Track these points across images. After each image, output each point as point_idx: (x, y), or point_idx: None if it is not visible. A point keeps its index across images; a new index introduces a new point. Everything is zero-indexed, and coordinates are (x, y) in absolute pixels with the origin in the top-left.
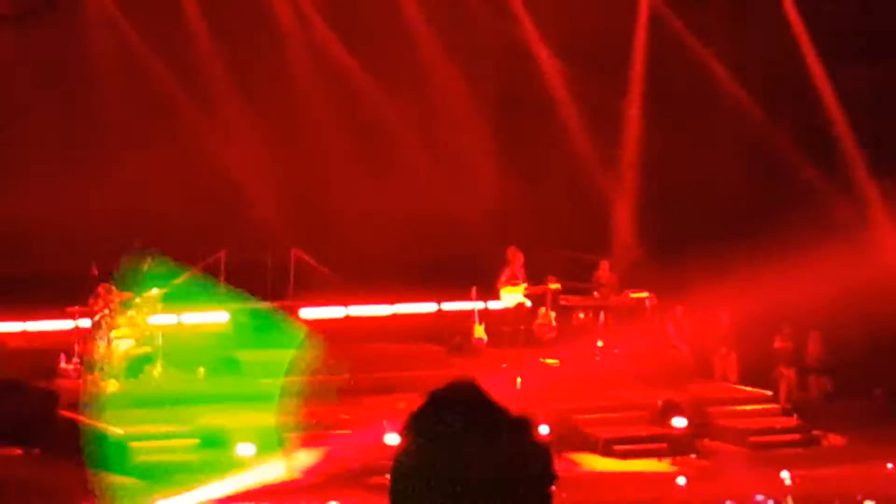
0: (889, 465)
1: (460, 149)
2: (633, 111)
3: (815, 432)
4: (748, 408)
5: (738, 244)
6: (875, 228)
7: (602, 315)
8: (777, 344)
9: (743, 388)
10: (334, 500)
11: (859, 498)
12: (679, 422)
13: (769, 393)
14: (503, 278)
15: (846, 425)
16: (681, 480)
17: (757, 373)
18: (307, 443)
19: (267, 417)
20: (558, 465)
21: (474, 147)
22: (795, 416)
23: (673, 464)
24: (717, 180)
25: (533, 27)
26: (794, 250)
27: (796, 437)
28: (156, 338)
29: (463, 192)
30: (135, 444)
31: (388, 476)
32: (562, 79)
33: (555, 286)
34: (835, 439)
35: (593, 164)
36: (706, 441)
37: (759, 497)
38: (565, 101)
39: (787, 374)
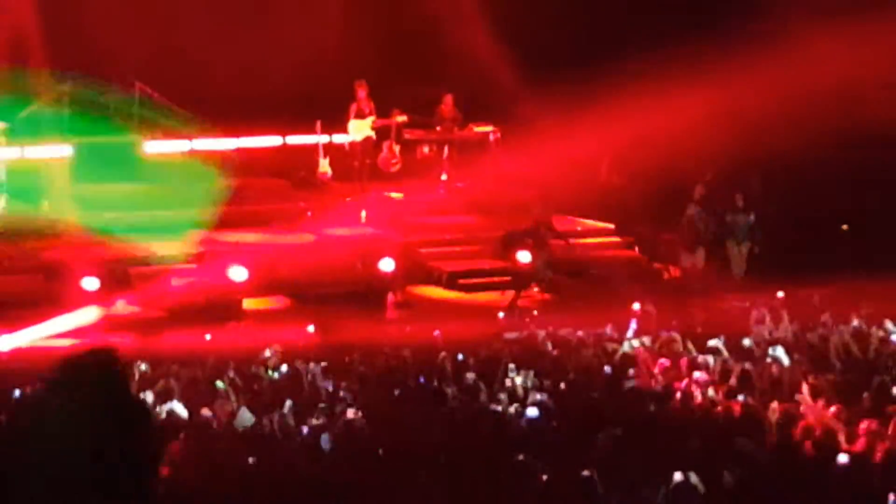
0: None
1: None
2: None
3: (655, 265)
4: (591, 241)
5: None
6: None
7: (446, 149)
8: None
9: (586, 221)
10: (177, 333)
11: (700, 331)
12: (523, 256)
13: (612, 226)
14: (351, 112)
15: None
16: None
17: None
18: (151, 277)
19: (111, 251)
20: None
21: None
22: (636, 248)
23: (516, 297)
24: None
25: None
26: None
27: (635, 270)
28: None
29: (310, 26)
30: None
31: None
32: None
33: (401, 118)
34: (675, 271)
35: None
36: (549, 274)
37: (607, 329)
38: None
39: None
